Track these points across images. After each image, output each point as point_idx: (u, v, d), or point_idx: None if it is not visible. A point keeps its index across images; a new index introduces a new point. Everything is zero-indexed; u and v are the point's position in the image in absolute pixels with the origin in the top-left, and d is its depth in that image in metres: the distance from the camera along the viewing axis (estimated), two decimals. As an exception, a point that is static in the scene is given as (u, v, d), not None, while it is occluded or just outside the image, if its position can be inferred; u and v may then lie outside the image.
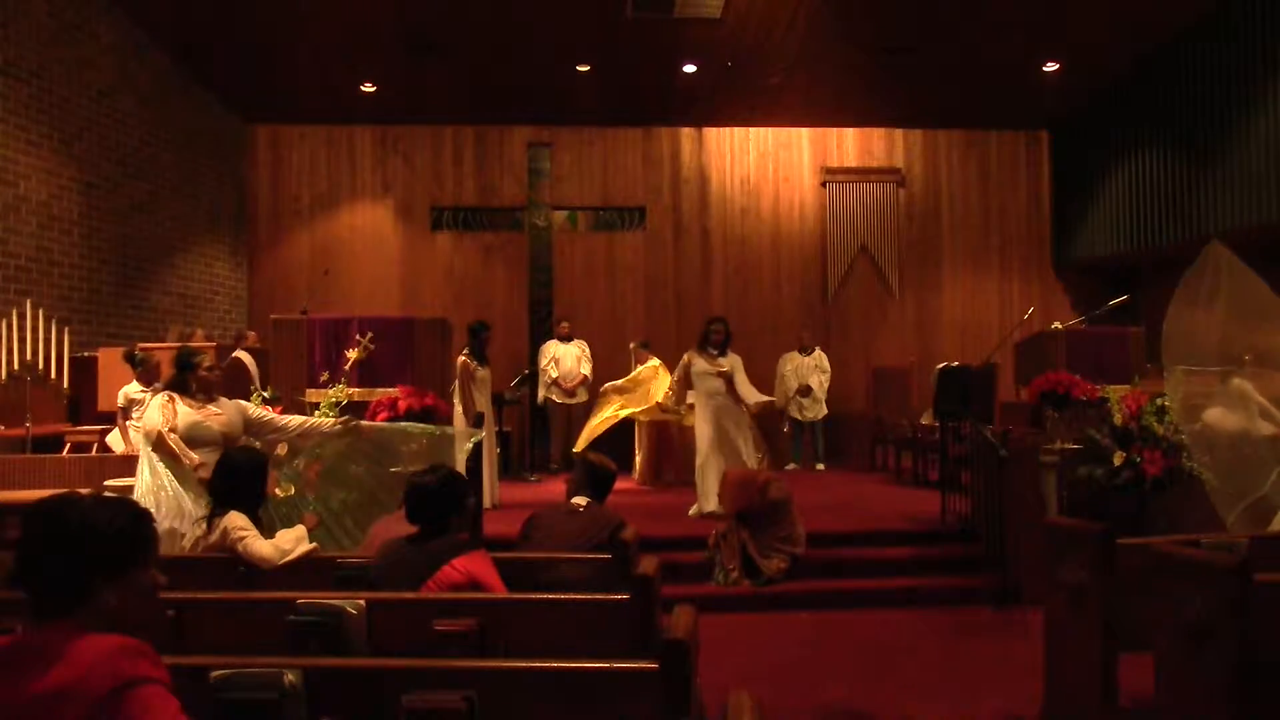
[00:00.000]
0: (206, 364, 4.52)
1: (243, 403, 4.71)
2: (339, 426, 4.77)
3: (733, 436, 7.22)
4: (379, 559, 3.32)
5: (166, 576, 1.91)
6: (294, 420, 4.82)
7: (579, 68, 10.15)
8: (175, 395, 4.42)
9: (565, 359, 10.02)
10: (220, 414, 4.47)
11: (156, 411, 4.39)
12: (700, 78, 10.38)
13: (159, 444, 4.31)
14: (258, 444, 4.62)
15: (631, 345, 9.91)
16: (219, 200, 10.89)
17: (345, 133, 11.51)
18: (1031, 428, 6.90)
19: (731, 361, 7.33)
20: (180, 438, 4.32)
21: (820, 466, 10.38)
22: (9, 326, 7.26)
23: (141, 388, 6.96)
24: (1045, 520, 4.29)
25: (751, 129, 11.79)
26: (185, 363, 4.51)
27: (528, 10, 8.93)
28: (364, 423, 4.99)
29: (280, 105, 11.09)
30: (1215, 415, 6.86)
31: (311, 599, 2.78)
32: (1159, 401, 5.66)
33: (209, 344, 7.90)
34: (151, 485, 4.27)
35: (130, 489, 4.59)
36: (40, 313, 7.53)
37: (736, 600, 5.79)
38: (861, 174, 11.84)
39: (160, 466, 4.28)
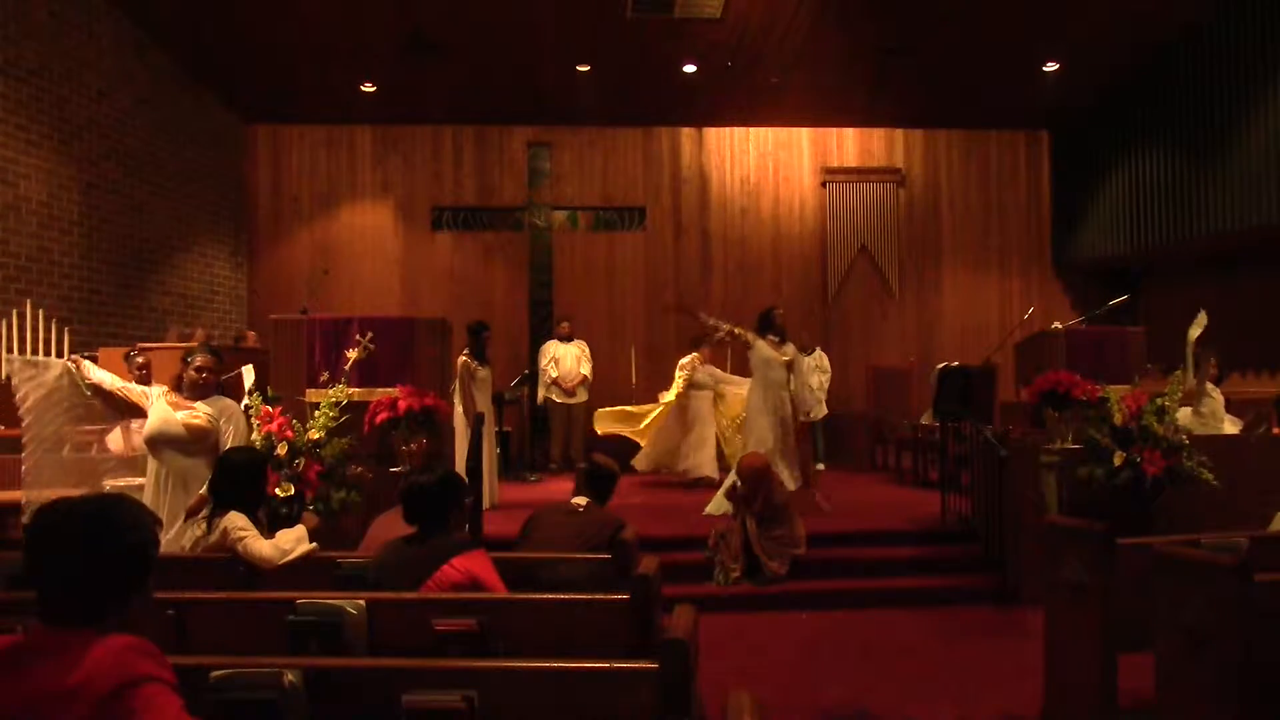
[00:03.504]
0: (195, 364, 4.51)
1: (231, 409, 4.59)
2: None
3: (785, 435, 7.03)
4: (378, 559, 3.31)
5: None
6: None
7: (579, 68, 10.15)
8: (170, 390, 4.46)
9: (565, 359, 10.02)
10: (203, 413, 4.43)
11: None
12: (700, 78, 10.38)
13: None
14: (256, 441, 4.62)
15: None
16: (219, 200, 10.89)
17: (345, 133, 11.51)
18: (1031, 428, 6.90)
19: (791, 353, 7.28)
20: (153, 435, 4.35)
21: (820, 466, 10.36)
22: (9, 326, 7.26)
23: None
24: (1045, 520, 4.28)
25: (751, 129, 11.79)
26: (186, 360, 4.54)
27: (528, 10, 8.93)
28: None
29: (280, 105, 11.09)
30: (1184, 415, 6.87)
31: (311, 599, 2.78)
32: (1159, 401, 5.66)
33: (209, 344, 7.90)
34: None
35: (132, 488, 4.60)
36: (40, 313, 7.54)
37: (736, 600, 5.78)
38: (861, 174, 11.84)
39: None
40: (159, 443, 4.33)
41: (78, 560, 1.63)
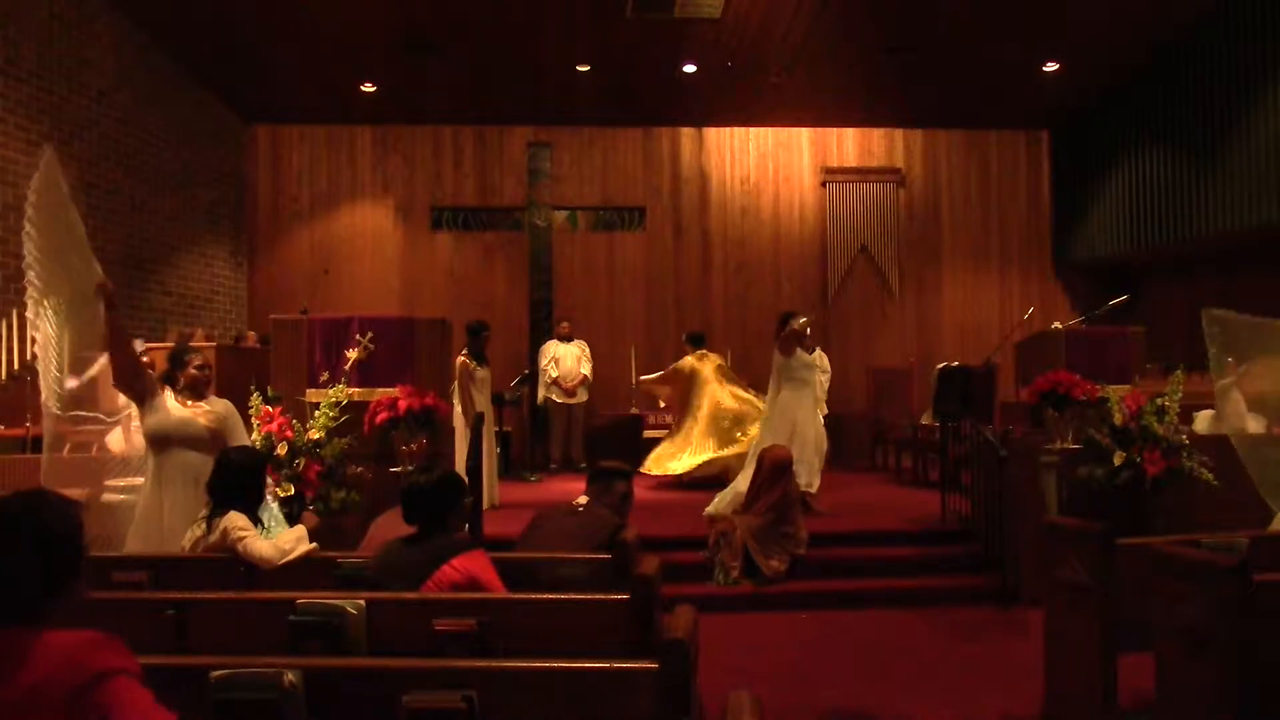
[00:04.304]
0: (197, 363, 4.50)
1: (233, 409, 4.59)
2: None
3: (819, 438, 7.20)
4: (378, 559, 3.31)
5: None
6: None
7: (579, 68, 10.15)
8: (166, 388, 4.44)
9: (565, 359, 10.02)
10: (209, 411, 4.43)
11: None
12: (700, 78, 10.38)
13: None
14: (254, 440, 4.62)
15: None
16: (219, 200, 10.89)
17: (345, 133, 11.51)
18: (1031, 428, 6.90)
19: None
20: (170, 433, 4.30)
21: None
22: (9, 326, 7.25)
23: None
24: (1045, 520, 4.28)
25: (751, 129, 11.79)
26: (176, 359, 4.52)
27: (527, 10, 8.93)
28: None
29: (280, 105, 11.09)
30: (1203, 421, 6.87)
31: (311, 599, 2.78)
32: (1159, 401, 5.67)
33: (209, 344, 7.90)
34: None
35: (132, 489, 4.59)
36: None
37: (736, 600, 5.78)
38: (861, 174, 11.84)
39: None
40: (174, 439, 4.31)
41: (12, 558, 1.61)
